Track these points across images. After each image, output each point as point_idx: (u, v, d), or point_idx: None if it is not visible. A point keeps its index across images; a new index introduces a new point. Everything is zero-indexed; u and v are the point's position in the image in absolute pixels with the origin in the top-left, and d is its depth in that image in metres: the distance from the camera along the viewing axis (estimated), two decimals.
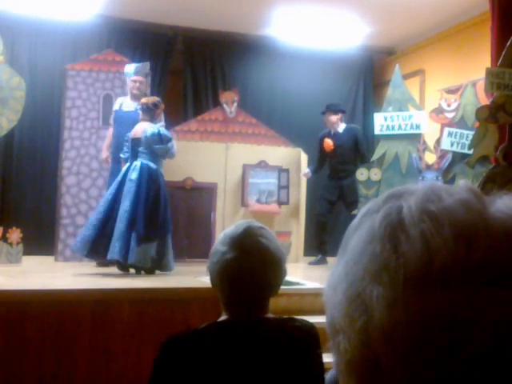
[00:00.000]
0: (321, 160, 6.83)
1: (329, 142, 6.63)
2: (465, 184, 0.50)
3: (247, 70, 8.07)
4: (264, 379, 1.46)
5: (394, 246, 0.47)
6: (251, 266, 1.50)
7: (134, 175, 5.22)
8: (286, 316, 1.65)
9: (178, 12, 7.20)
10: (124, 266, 5.18)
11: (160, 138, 5.28)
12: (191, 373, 1.45)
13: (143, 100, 5.57)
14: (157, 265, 5.21)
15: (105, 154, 6.34)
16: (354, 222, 0.53)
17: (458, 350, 0.44)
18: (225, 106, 7.06)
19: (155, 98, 5.63)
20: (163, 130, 5.38)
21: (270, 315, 1.57)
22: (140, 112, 5.54)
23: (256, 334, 1.50)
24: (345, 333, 0.49)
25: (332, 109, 6.69)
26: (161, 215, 5.25)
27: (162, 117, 5.61)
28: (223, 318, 1.56)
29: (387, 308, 0.45)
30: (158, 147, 5.27)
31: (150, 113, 5.43)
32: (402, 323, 0.45)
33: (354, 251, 0.50)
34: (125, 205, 5.13)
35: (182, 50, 7.93)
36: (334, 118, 6.66)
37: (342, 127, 6.71)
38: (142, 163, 5.27)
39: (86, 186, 6.54)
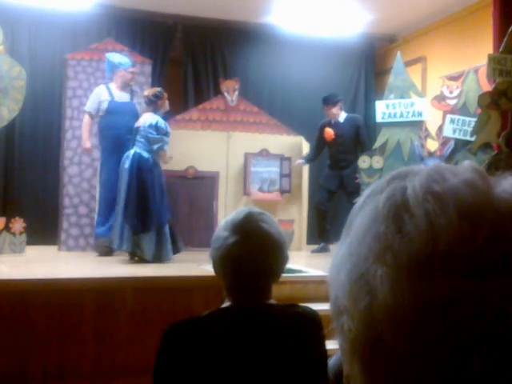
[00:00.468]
0: (317, 148, 6.82)
1: (330, 132, 6.62)
2: (470, 164, 0.49)
3: (248, 59, 8.04)
4: (267, 365, 1.46)
5: (398, 226, 0.46)
6: (253, 250, 1.50)
7: (127, 164, 5.32)
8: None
9: (178, 0, 7.16)
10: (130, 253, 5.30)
11: (156, 129, 5.33)
12: (195, 359, 1.46)
13: (145, 93, 5.65)
14: (157, 255, 5.25)
15: (89, 143, 6.09)
16: (358, 203, 0.53)
17: (460, 332, 0.44)
18: (226, 94, 7.04)
19: (156, 89, 5.63)
20: (161, 122, 5.40)
21: (272, 301, 1.57)
22: (144, 105, 5.60)
23: (259, 319, 1.50)
24: (349, 313, 0.49)
25: (331, 101, 6.65)
26: (156, 205, 5.30)
27: (167, 105, 5.59)
28: (226, 304, 1.57)
29: (391, 288, 0.45)
30: (151, 136, 5.32)
31: (152, 105, 5.48)
32: (406, 304, 0.44)
33: (358, 232, 0.50)
34: (120, 194, 5.28)
35: (182, 38, 7.90)
36: (334, 109, 6.64)
37: (342, 116, 6.70)
38: (135, 152, 5.35)
39: (88, 176, 6.54)
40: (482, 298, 0.43)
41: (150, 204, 5.26)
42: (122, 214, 5.22)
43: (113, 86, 6.19)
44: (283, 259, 1.56)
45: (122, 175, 5.31)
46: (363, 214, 0.51)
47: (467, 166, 0.49)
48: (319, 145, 6.78)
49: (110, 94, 6.14)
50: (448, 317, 0.44)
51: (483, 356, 0.43)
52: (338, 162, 6.63)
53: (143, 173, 5.29)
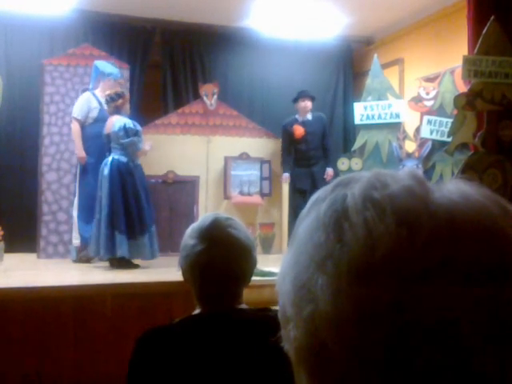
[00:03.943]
0: (288, 151, 6.78)
1: (300, 128, 6.62)
2: (409, 171, 0.50)
3: (227, 62, 8.04)
4: (240, 370, 1.46)
5: (338, 234, 0.47)
6: (222, 255, 1.50)
7: (105, 171, 5.27)
8: (269, 306, 1.65)
9: (156, 4, 7.14)
10: (119, 262, 5.22)
11: (126, 132, 5.30)
12: (167, 367, 1.45)
13: (106, 92, 5.56)
14: (152, 254, 5.33)
15: (83, 152, 5.91)
16: (304, 210, 0.53)
17: (402, 336, 0.44)
18: (205, 98, 7.04)
19: (118, 89, 5.61)
20: (129, 124, 5.35)
21: (243, 306, 1.57)
22: (105, 105, 5.51)
23: (230, 324, 1.50)
24: (294, 321, 0.49)
25: (309, 94, 6.67)
26: (144, 207, 5.31)
27: (128, 108, 5.55)
28: (197, 311, 1.57)
29: (332, 297, 0.46)
30: (124, 141, 5.29)
31: (113, 103, 5.42)
32: (346, 311, 0.45)
33: (302, 240, 0.50)
34: (103, 202, 5.22)
35: (160, 43, 7.88)
36: (309, 103, 6.66)
37: (310, 114, 6.73)
38: (112, 158, 5.31)
39: (66, 182, 6.48)
40: (421, 302, 0.44)
41: (138, 207, 5.26)
42: (106, 221, 5.15)
43: (98, 93, 6.07)
44: (253, 263, 1.57)
45: (102, 183, 5.25)
46: (307, 222, 0.51)
47: (406, 173, 0.50)
48: (288, 146, 6.75)
49: (99, 101, 6.01)
50: (388, 321, 0.44)
51: (425, 357, 0.44)
52: (307, 160, 6.61)
53: (124, 177, 5.26)
